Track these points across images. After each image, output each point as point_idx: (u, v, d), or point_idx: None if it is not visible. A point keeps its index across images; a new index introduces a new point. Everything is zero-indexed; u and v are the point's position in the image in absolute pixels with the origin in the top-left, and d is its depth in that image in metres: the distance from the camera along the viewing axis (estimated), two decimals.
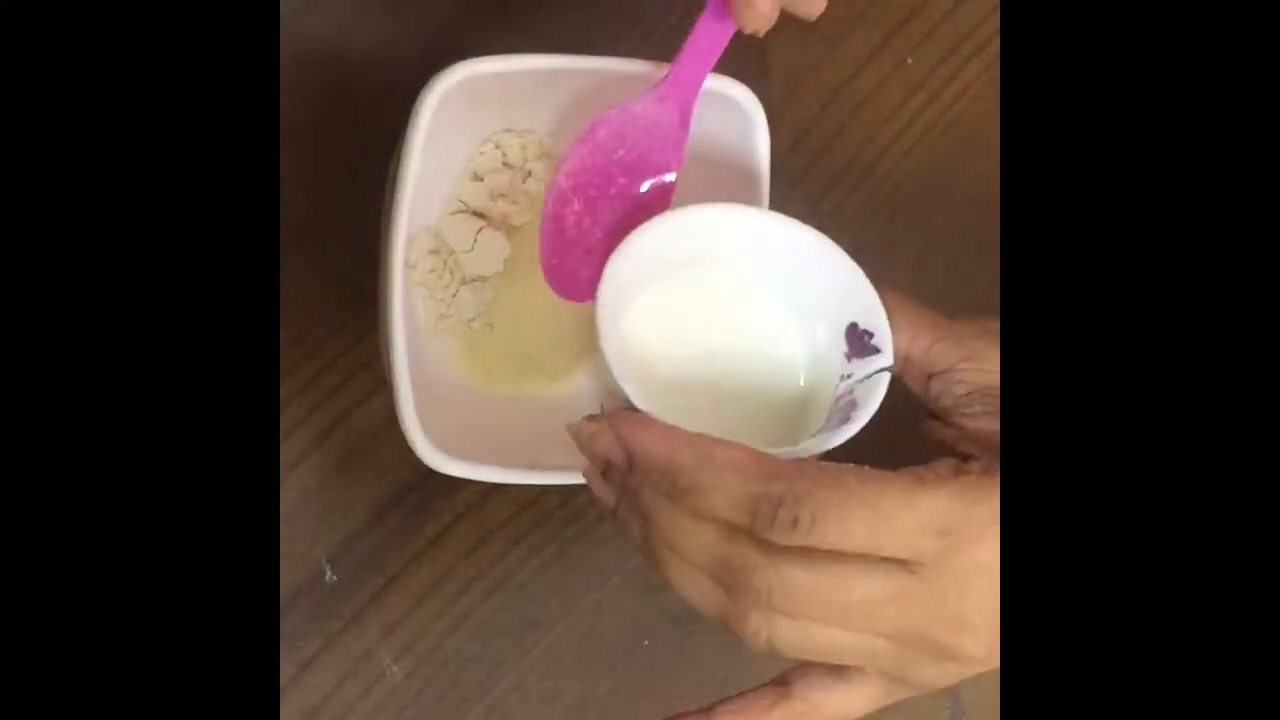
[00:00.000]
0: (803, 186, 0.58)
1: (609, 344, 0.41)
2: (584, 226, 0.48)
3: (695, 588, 0.39)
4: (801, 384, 0.45)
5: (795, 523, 0.36)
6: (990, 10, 0.60)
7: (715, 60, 0.47)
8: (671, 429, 0.39)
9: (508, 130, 0.52)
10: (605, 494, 0.41)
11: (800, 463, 0.38)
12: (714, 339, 0.46)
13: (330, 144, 0.52)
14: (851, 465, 0.38)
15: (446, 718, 0.53)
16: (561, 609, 0.55)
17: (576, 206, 0.48)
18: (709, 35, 0.47)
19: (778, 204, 0.51)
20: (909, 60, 0.60)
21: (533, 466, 0.48)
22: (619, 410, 0.40)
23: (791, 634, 0.38)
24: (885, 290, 0.44)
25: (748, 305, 0.46)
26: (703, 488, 0.38)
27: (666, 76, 0.47)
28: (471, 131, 0.52)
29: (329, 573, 0.52)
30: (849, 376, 0.43)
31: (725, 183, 0.51)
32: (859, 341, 0.44)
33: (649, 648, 0.56)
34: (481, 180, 0.52)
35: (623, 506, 0.40)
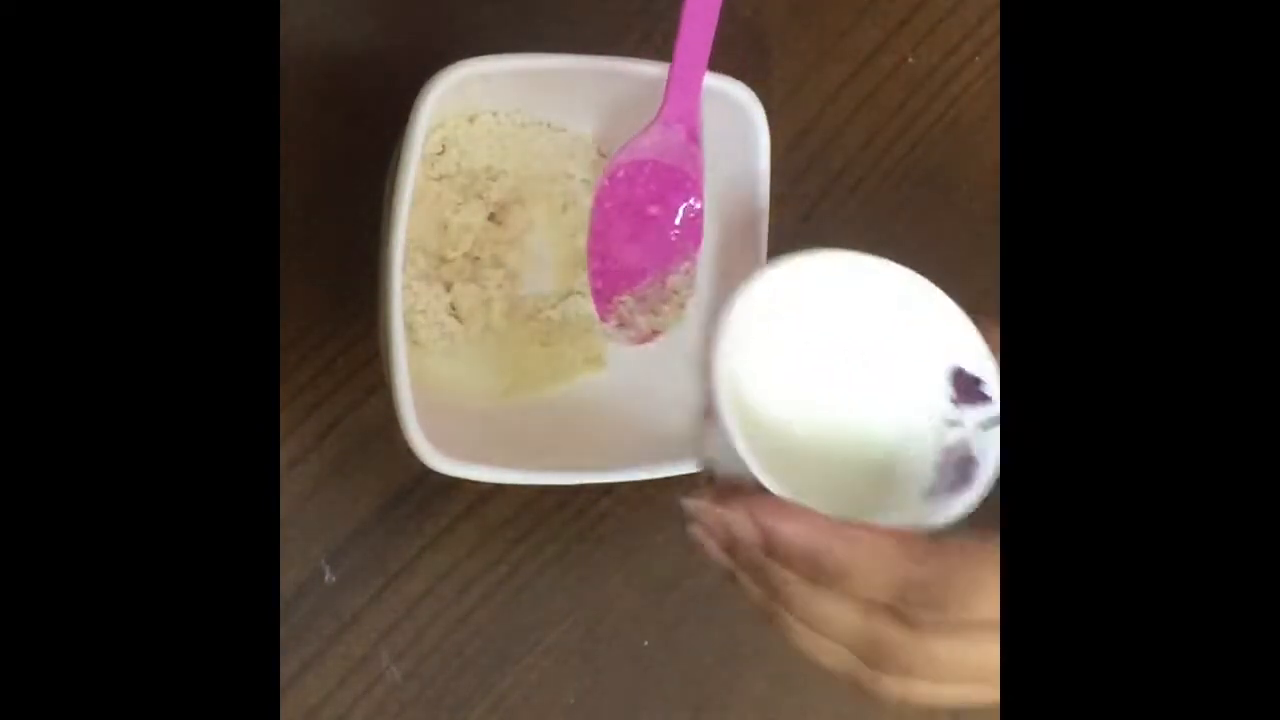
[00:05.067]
0: (803, 186, 0.58)
1: (730, 420, 0.39)
2: (628, 264, 0.50)
3: (826, 655, 0.40)
4: (906, 435, 0.44)
5: (944, 605, 0.37)
6: (991, 9, 0.60)
7: (704, 70, 0.47)
8: (812, 515, 0.39)
9: None
10: (723, 561, 0.40)
11: (943, 545, 0.38)
12: (817, 393, 0.45)
13: (329, 144, 0.52)
14: (989, 540, 0.37)
15: (446, 718, 0.53)
16: (561, 609, 0.55)
17: (615, 247, 0.49)
18: (691, 46, 0.47)
19: (778, 203, 0.52)
20: (910, 59, 0.60)
21: (533, 467, 0.48)
22: (754, 496, 0.39)
23: (927, 694, 0.39)
24: (983, 318, 0.43)
25: (847, 356, 0.44)
26: (850, 573, 0.38)
27: (664, 103, 0.47)
28: None
29: (329, 573, 0.52)
30: (957, 424, 0.42)
31: (725, 183, 0.51)
32: (966, 387, 0.42)
33: (649, 648, 0.56)
34: None
35: (746, 578, 0.40)
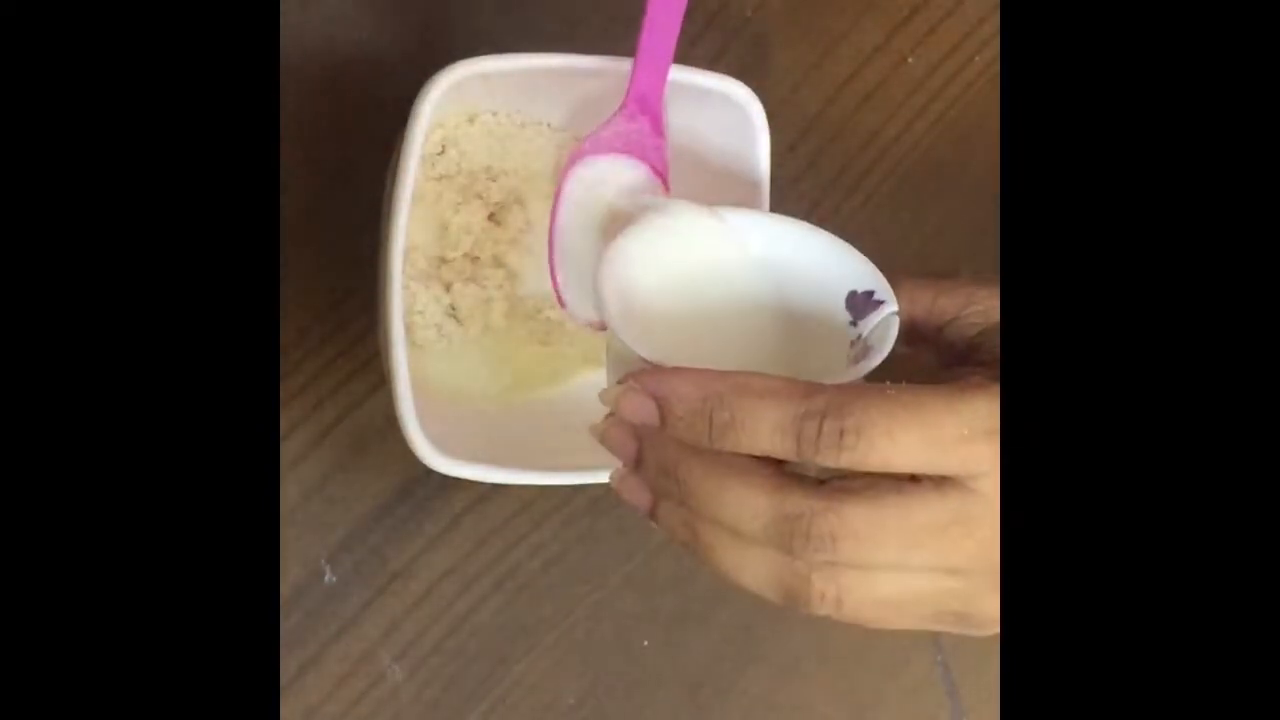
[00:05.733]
0: (803, 186, 0.58)
1: (612, 301, 0.41)
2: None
3: (751, 563, 0.38)
4: (812, 362, 0.45)
5: (841, 435, 0.36)
6: (991, 9, 0.60)
7: (670, 58, 0.47)
8: (700, 370, 0.38)
9: None
10: (639, 494, 0.40)
11: (838, 384, 0.38)
12: (718, 317, 0.46)
13: (329, 143, 0.52)
14: (888, 383, 0.37)
15: (446, 718, 0.53)
16: (561, 609, 0.55)
17: (576, 238, 0.49)
18: (656, 34, 0.46)
19: (778, 203, 0.51)
20: (910, 59, 0.60)
21: (532, 466, 0.48)
22: (642, 371, 0.39)
23: (859, 587, 0.37)
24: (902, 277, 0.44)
25: (745, 283, 0.46)
26: (743, 418, 0.37)
27: (627, 92, 0.47)
28: None
29: (329, 573, 0.52)
30: (859, 337, 0.43)
31: (726, 183, 0.51)
32: (861, 304, 0.44)
33: (649, 648, 0.56)
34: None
35: (661, 502, 0.40)
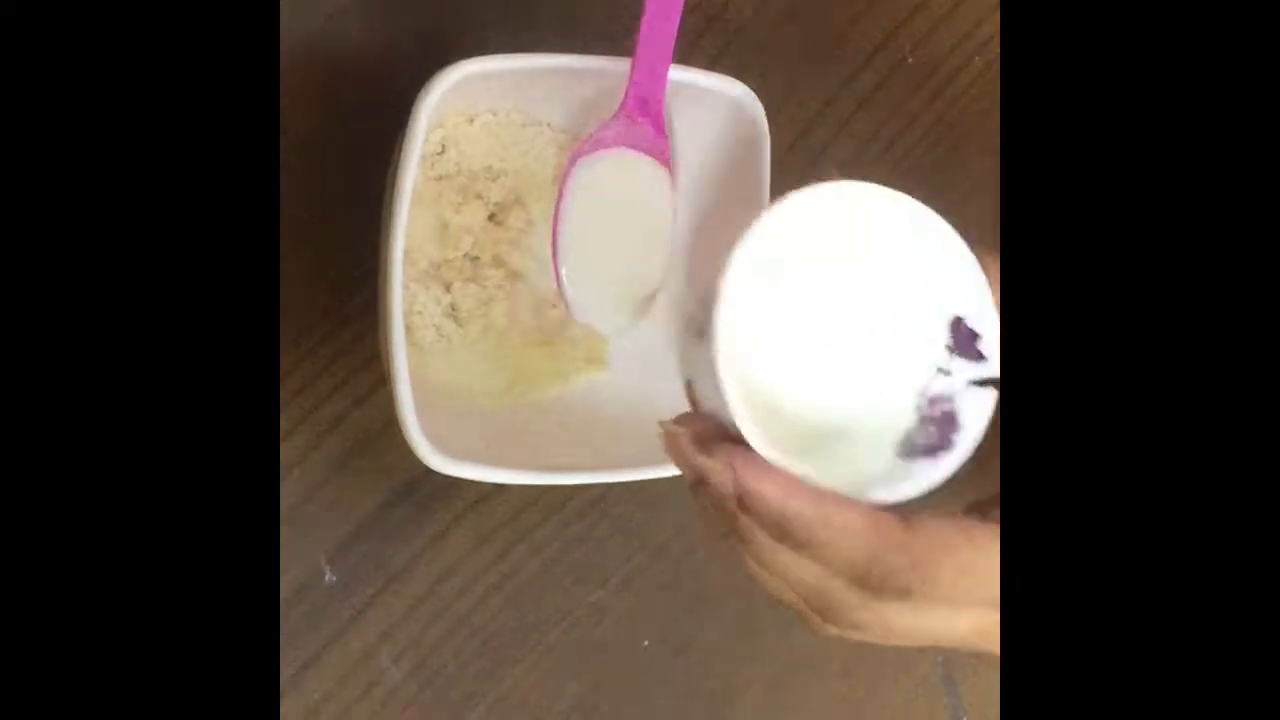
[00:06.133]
0: (802, 186, 0.58)
1: (729, 381, 0.38)
2: None
3: (775, 591, 0.40)
4: (893, 371, 0.41)
5: (909, 589, 0.37)
6: (990, 9, 0.60)
7: (669, 59, 0.47)
8: (792, 480, 0.38)
9: None
10: (687, 467, 0.40)
11: (915, 529, 0.38)
12: (817, 344, 0.42)
13: (329, 143, 0.52)
14: (962, 523, 0.38)
15: (446, 718, 0.53)
16: (561, 609, 0.55)
17: (580, 238, 0.49)
18: (655, 34, 0.46)
19: None
20: (909, 59, 0.60)
21: (533, 466, 0.48)
22: (736, 449, 0.39)
23: (874, 634, 0.39)
24: (983, 252, 0.41)
25: (842, 290, 0.42)
26: (816, 545, 0.38)
27: (627, 94, 0.47)
28: None
29: (329, 573, 0.52)
30: (947, 372, 0.40)
31: (726, 183, 0.51)
32: (964, 340, 0.40)
33: (649, 648, 0.56)
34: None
35: (711, 509, 0.40)
